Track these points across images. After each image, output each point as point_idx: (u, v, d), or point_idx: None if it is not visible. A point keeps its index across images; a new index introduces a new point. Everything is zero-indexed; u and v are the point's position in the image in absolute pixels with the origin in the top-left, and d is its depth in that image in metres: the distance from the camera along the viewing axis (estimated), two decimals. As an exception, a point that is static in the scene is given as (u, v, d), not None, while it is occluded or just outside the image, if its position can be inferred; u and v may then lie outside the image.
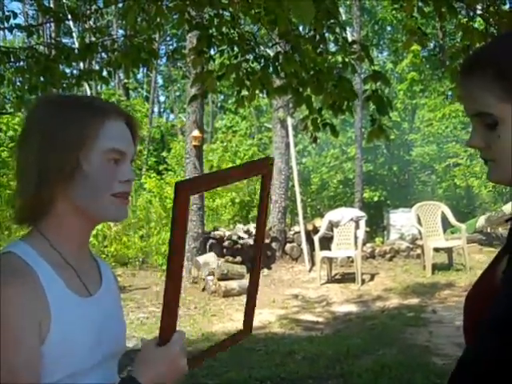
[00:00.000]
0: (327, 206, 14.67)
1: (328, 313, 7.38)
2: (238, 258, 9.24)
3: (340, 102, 3.87)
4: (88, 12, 5.35)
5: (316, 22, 3.62)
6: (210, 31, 4.13)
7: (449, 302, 7.34)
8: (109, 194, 1.17)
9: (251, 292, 1.34)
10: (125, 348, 1.31)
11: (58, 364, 1.09)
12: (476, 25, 4.21)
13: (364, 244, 9.98)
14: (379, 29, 19.48)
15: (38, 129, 1.16)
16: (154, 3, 4.21)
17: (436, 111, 16.41)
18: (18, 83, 5.19)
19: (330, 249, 9.44)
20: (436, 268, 9.24)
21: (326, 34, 4.00)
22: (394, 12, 15.20)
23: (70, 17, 5.43)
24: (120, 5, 5.28)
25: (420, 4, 3.92)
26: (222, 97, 22.55)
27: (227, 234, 9.82)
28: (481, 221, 11.44)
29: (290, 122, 10.72)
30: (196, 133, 9.49)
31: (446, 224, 9.97)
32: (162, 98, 29.97)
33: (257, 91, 4.10)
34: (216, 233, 9.80)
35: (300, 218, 10.54)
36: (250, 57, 4.14)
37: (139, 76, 24.96)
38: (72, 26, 14.42)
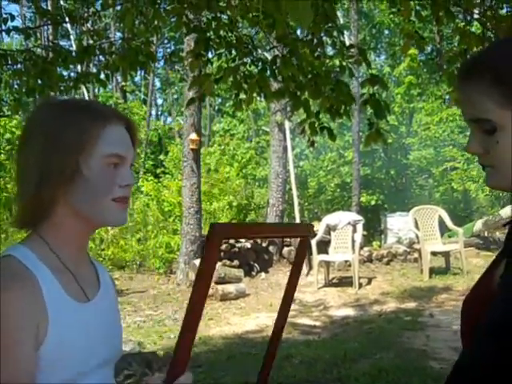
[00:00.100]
0: (324, 209, 14.69)
1: (325, 317, 7.37)
2: (236, 262, 9.23)
3: (337, 105, 3.87)
4: (86, 15, 5.36)
5: (314, 25, 3.63)
6: (208, 34, 4.13)
7: (446, 306, 7.34)
8: (109, 198, 1.17)
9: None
10: (121, 353, 1.31)
11: (54, 368, 1.09)
12: (473, 29, 4.23)
13: (361, 248, 9.98)
14: (377, 32, 19.55)
15: (41, 131, 1.17)
16: (151, 6, 4.22)
17: (433, 115, 16.46)
18: (16, 86, 5.20)
19: (327, 252, 9.44)
20: (433, 272, 9.24)
21: (324, 38, 4.00)
22: (391, 16, 15.25)
23: (67, 19, 5.44)
24: (118, 8, 5.28)
25: (417, 8, 3.93)
26: (220, 100, 22.57)
27: (224, 237, 9.80)
28: (478, 225, 11.46)
29: (287, 125, 10.73)
30: (193, 136, 9.49)
31: (443, 228, 9.98)
32: (159, 101, 30.03)
33: (254, 94, 4.10)
34: (213, 236, 9.78)
35: (297, 221, 10.54)
36: (248, 60, 4.14)
37: (137, 79, 25.01)
38: (70, 29, 14.43)
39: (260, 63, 4.14)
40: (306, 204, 14.92)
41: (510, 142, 0.98)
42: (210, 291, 8.55)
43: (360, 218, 9.77)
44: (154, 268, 10.05)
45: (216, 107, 24.43)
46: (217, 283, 8.31)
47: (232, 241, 9.70)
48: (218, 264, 8.74)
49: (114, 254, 10.32)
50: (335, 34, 3.94)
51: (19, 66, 4.75)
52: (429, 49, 16.04)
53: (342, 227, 9.40)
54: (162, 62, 21.82)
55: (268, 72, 4.05)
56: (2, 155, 11.88)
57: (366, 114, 11.21)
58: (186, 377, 1.08)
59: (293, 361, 5.29)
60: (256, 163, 16.67)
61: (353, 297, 8.33)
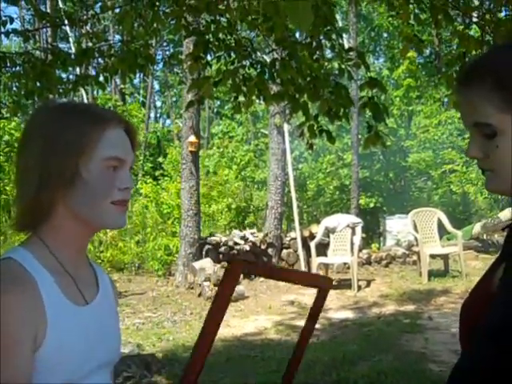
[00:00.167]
0: (323, 212, 14.68)
1: (324, 319, 7.36)
2: (234, 264, 9.22)
3: (336, 108, 3.88)
4: (85, 17, 5.37)
5: (313, 28, 3.63)
6: (207, 37, 4.13)
7: (445, 309, 7.34)
8: (108, 201, 1.17)
9: None
10: (119, 356, 1.32)
11: (52, 370, 1.09)
12: (472, 32, 4.24)
13: (360, 250, 9.99)
14: (375, 35, 19.58)
15: (40, 133, 1.17)
16: (150, 9, 4.22)
17: (432, 118, 16.49)
18: (15, 88, 5.20)
19: (326, 255, 9.43)
20: (432, 274, 9.24)
21: (323, 41, 4.00)
22: (390, 19, 15.27)
23: (66, 22, 5.44)
24: (117, 10, 5.29)
25: (416, 11, 3.93)
26: (219, 102, 22.57)
27: (223, 239, 9.81)
28: (477, 227, 11.47)
29: (286, 128, 10.73)
30: (192, 138, 9.49)
31: (442, 230, 9.99)
32: (158, 104, 30.03)
33: (254, 97, 4.10)
34: (212, 238, 9.79)
35: (296, 224, 10.54)
36: (247, 63, 4.14)
37: (136, 81, 24.98)
38: (68, 31, 14.43)
39: (259, 66, 4.14)
40: (305, 206, 14.92)
41: (509, 147, 0.98)
42: (209, 293, 8.54)
43: (359, 220, 9.77)
44: (153, 270, 10.04)
45: (215, 110, 24.45)
46: (216, 285, 8.30)
47: (231, 243, 9.71)
48: (217, 266, 8.74)
49: (113, 256, 10.31)
50: (334, 36, 3.95)
51: (18, 68, 4.74)
52: (427, 52, 16.11)
53: (340, 230, 9.40)
54: (160, 65, 21.85)
55: (267, 75, 4.05)
56: (1, 157, 11.88)
57: (364, 117, 11.23)
58: None
59: (292, 363, 5.27)
60: (255, 166, 16.67)
61: (352, 299, 8.32)
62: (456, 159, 15.03)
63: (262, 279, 9.63)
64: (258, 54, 4.55)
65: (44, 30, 11.06)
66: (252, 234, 10.24)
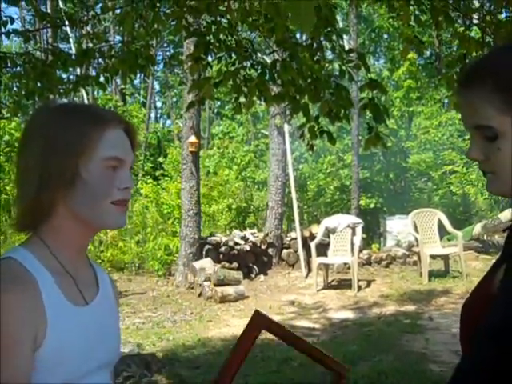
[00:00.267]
0: (324, 212, 14.68)
1: (324, 319, 7.37)
2: (235, 264, 9.23)
3: (337, 109, 3.88)
4: (85, 18, 5.37)
5: (314, 29, 3.63)
6: (208, 38, 4.14)
7: (445, 309, 7.34)
8: (108, 201, 1.17)
9: None
10: (119, 356, 1.32)
11: (52, 370, 1.09)
12: (472, 34, 4.24)
13: (360, 250, 9.98)
14: (376, 37, 19.57)
15: (41, 133, 1.17)
16: (151, 10, 4.22)
17: (432, 119, 16.48)
18: (15, 88, 5.20)
19: (326, 255, 9.43)
20: (432, 275, 9.24)
21: (324, 42, 4.01)
22: (390, 20, 15.27)
23: (67, 22, 5.45)
24: (117, 11, 5.29)
25: (417, 13, 3.93)
26: (219, 103, 22.56)
27: (224, 239, 9.82)
28: (477, 228, 11.47)
29: (286, 128, 10.74)
30: (193, 139, 9.50)
31: (442, 231, 9.99)
32: (158, 104, 29.99)
33: (254, 98, 4.11)
34: (212, 238, 9.79)
35: (297, 224, 10.54)
36: (248, 64, 4.14)
37: (136, 82, 24.94)
38: (69, 32, 14.44)
39: (260, 67, 4.14)
40: (306, 207, 14.92)
41: (511, 149, 0.98)
42: (209, 293, 8.56)
43: (359, 220, 9.77)
44: (153, 270, 10.04)
45: (215, 110, 24.43)
46: (216, 285, 8.31)
47: (231, 243, 9.71)
48: (217, 266, 8.75)
49: (113, 255, 10.32)
50: (335, 38, 3.95)
51: (18, 68, 4.75)
52: (428, 53, 16.09)
53: (341, 230, 9.40)
54: (161, 65, 21.84)
55: (268, 76, 4.05)
56: (1, 157, 11.88)
57: (365, 118, 11.23)
58: None
59: (292, 363, 5.28)
60: (255, 166, 16.67)
61: (352, 299, 8.33)
62: (456, 160, 15.03)
63: (262, 279, 9.65)
64: (259, 55, 4.56)
65: (44, 30, 11.07)
66: (252, 234, 10.24)
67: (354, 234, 9.32)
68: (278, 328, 1.21)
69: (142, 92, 26.44)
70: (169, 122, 27.70)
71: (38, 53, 6.25)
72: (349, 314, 7.53)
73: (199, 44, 4.13)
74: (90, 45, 5.34)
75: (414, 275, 9.64)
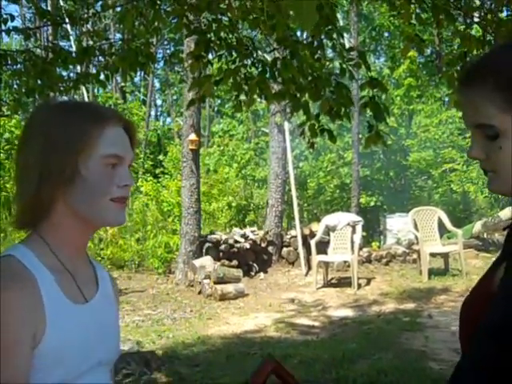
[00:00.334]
0: (324, 210, 14.69)
1: (324, 317, 7.38)
2: (235, 262, 9.23)
3: (337, 108, 3.88)
4: (85, 16, 5.36)
5: (314, 28, 3.63)
6: (208, 36, 4.13)
7: (445, 307, 7.34)
8: (107, 198, 1.17)
9: None
10: (119, 354, 1.32)
11: (51, 368, 1.10)
12: (473, 32, 4.23)
13: (360, 248, 9.98)
14: (376, 35, 19.55)
15: (41, 131, 1.18)
16: (151, 7, 4.22)
17: (433, 117, 16.47)
18: (15, 86, 5.20)
19: (326, 253, 9.44)
20: (432, 273, 9.24)
21: (324, 40, 4.00)
22: (391, 18, 15.25)
23: (67, 20, 5.45)
24: (118, 9, 5.29)
25: (418, 11, 3.93)
26: (219, 101, 22.54)
27: (224, 237, 9.82)
28: (477, 226, 11.47)
29: (287, 126, 10.73)
30: (193, 136, 9.50)
31: (442, 229, 9.99)
32: (158, 102, 29.97)
33: (255, 96, 4.11)
34: (212, 236, 9.80)
35: (297, 222, 10.54)
36: (248, 62, 4.14)
37: (136, 79, 24.95)
38: (69, 30, 14.40)
39: (260, 65, 4.14)
40: (306, 205, 14.93)
41: (511, 148, 0.98)
42: (209, 291, 8.57)
43: (359, 218, 9.78)
44: (153, 268, 10.05)
45: (215, 108, 24.41)
46: (216, 283, 8.32)
47: (231, 241, 9.72)
48: (217, 264, 8.76)
49: (113, 253, 10.32)
50: (335, 36, 3.94)
51: (19, 66, 4.75)
52: (428, 51, 16.08)
53: (341, 228, 9.40)
54: (161, 63, 21.84)
55: (268, 74, 4.05)
56: (1, 155, 11.89)
57: (365, 116, 11.22)
58: None
59: (291, 361, 5.29)
60: (255, 164, 16.67)
61: (352, 297, 8.33)
62: (456, 158, 15.03)
63: (262, 277, 9.65)
64: (260, 52, 4.55)
65: (45, 28, 11.06)
66: (252, 231, 10.25)
67: (354, 232, 9.32)
68: (283, 373, 1.26)
69: (142, 90, 26.42)
70: (169, 119, 27.70)
71: (39, 50, 6.23)
72: (348, 312, 7.54)
73: (200, 42, 4.13)
74: (91, 42, 5.35)
75: (414, 273, 9.64)
